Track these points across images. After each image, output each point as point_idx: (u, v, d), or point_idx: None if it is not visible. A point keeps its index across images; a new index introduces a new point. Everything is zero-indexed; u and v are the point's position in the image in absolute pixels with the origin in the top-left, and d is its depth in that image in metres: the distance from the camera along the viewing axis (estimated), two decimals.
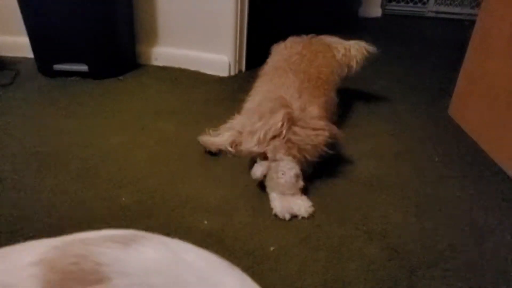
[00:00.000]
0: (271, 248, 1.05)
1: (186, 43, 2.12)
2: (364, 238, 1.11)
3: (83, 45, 1.91)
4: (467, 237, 1.13)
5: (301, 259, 1.03)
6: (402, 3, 3.54)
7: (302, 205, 1.17)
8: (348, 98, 1.87)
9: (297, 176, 1.20)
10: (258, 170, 1.23)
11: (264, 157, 1.24)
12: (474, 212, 1.23)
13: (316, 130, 1.23)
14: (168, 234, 1.06)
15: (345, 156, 1.46)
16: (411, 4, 3.53)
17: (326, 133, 1.25)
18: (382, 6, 3.47)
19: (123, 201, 1.18)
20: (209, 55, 2.10)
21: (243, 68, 2.17)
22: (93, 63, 1.94)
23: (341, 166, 1.39)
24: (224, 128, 1.47)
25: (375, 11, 3.45)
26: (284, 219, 1.15)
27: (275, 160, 1.22)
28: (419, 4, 3.52)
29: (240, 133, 1.43)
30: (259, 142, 1.22)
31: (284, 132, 1.19)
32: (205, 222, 1.13)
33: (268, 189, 1.24)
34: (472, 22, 1.69)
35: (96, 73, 1.95)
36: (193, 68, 2.14)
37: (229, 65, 2.09)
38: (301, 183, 1.22)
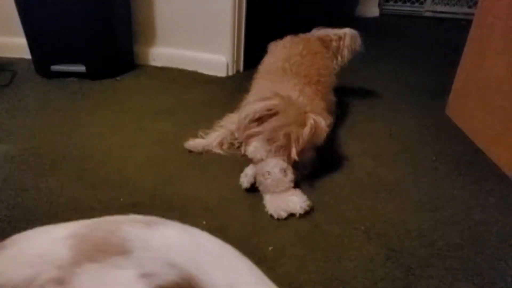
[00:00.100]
0: (270, 248, 1.05)
1: (184, 43, 2.12)
2: (362, 237, 1.11)
3: (81, 46, 1.91)
4: (464, 236, 1.13)
5: (299, 258, 1.03)
6: (399, 3, 3.55)
7: (296, 202, 1.16)
8: (346, 98, 1.88)
9: (283, 171, 1.18)
10: (244, 180, 1.23)
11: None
12: (471, 211, 1.23)
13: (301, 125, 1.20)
14: None
15: (343, 155, 1.46)
16: (408, 3, 3.54)
17: (309, 128, 1.20)
18: (380, 5, 3.48)
19: (121, 202, 1.18)
20: (207, 55, 2.10)
21: (241, 68, 2.17)
22: (90, 63, 1.93)
23: (339, 166, 1.39)
24: (214, 128, 1.47)
25: (373, 11, 3.46)
26: (282, 219, 1.15)
27: (259, 161, 1.21)
28: (416, 4, 3.52)
29: (231, 132, 1.43)
30: (238, 125, 1.21)
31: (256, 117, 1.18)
32: (204, 222, 1.13)
33: (262, 193, 1.23)
34: (469, 22, 1.70)
35: (94, 74, 1.95)
36: (190, 68, 2.14)
37: (227, 65, 2.09)
38: (290, 177, 1.19)
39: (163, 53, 2.15)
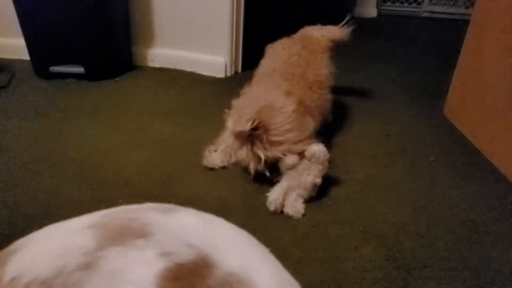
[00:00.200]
0: (268, 249, 1.06)
1: (182, 44, 2.12)
2: (360, 238, 1.11)
3: (79, 47, 1.91)
4: (462, 237, 1.14)
5: (297, 259, 1.03)
6: (397, 3, 3.55)
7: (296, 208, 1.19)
8: (343, 98, 1.88)
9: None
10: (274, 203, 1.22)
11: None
12: (469, 211, 1.24)
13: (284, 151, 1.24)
14: None
15: (340, 156, 1.47)
16: (406, 4, 3.54)
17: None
18: (378, 6, 3.48)
19: (120, 203, 1.18)
20: (205, 56, 2.11)
21: (239, 69, 2.17)
22: (89, 64, 1.93)
23: (337, 166, 1.39)
24: (216, 144, 1.45)
25: (371, 11, 3.46)
26: (280, 218, 1.16)
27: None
28: (414, 4, 3.53)
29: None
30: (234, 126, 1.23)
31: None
32: None
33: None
34: (467, 22, 1.70)
35: (92, 75, 1.95)
36: (189, 69, 2.14)
37: (225, 66, 2.10)
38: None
39: (161, 54, 2.16)
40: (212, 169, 1.36)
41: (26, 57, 1.99)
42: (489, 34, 1.53)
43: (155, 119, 1.66)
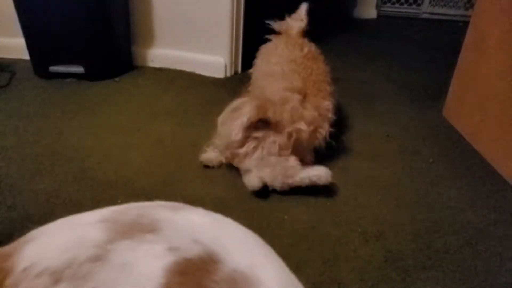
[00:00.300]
0: None
1: (182, 44, 2.12)
2: (359, 239, 1.12)
3: (79, 47, 1.91)
4: (461, 238, 1.14)
5: (296, 260, 1.03)
6: (397, 5, 3.55)
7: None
8: (343, 99, 1.88)
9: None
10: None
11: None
12: (468, 213, 1.24)
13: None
14: None
15: (340, 157, 1.47)
16: (406, 5, 3.54)
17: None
18: (377, 7, 3.49)
19: (119, 203, 1.18)
20: (205, 57, 2.11)
21: (239, 70, 2.17)
22: (89, 64, 1.93)
23: (336, 167, 1.40)
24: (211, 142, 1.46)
25: (370, 13, 3.46)
26: (280, 218, 1.16)
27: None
28: (414, 6, 3.53)
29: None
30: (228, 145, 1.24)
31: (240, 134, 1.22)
32: None
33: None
34: (466, 24, 1.71)
35: (92, 75, 1.95)
36: (189, 70, 2.14)
37: (225, 67, 2.10)
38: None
39: (161, 54, 2.16)
40: (211, 167, 1.37)
41: (26, 56, 1.99)
42: (489, 35, 1.53)
43: (155, 119, 1.66)
